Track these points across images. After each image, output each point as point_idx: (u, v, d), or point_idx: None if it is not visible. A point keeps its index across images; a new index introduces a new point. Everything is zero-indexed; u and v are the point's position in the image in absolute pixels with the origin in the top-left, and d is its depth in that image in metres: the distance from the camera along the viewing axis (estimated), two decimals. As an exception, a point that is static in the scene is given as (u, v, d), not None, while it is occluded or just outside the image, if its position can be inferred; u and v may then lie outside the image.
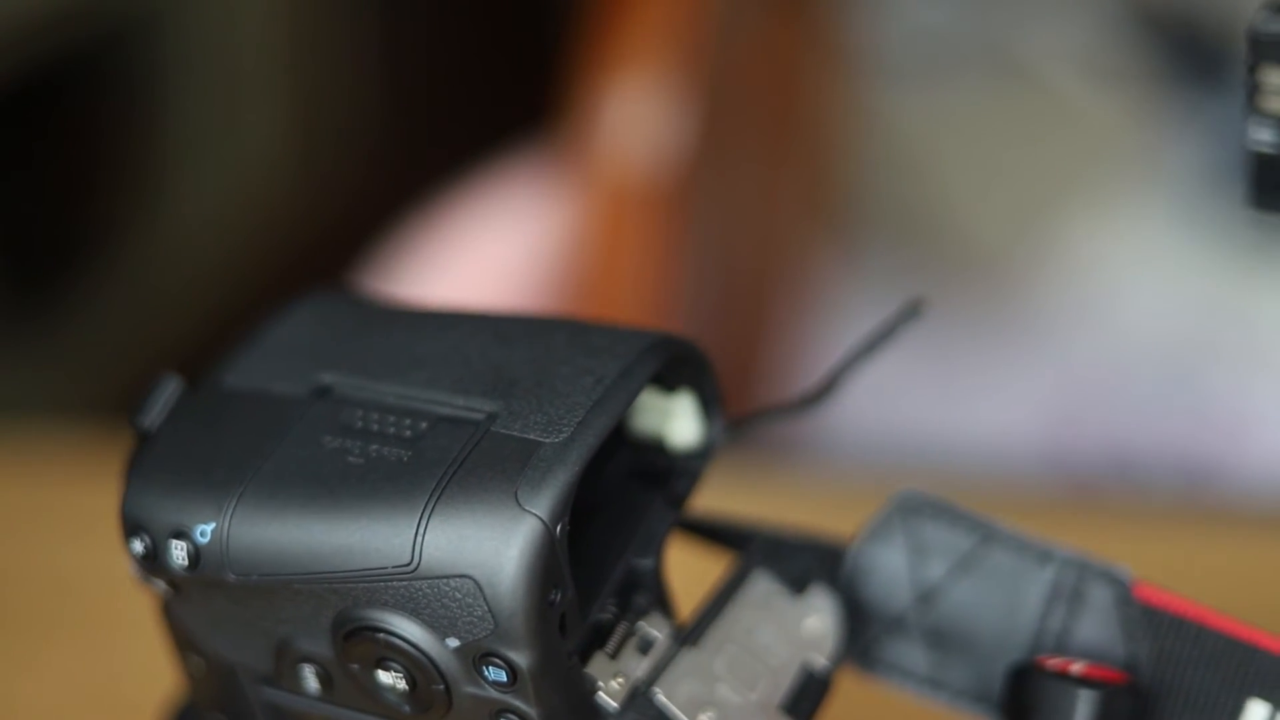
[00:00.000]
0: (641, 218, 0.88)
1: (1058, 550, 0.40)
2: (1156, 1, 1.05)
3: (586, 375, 0.37)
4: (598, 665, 0.37)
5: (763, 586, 0.39)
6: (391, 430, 0.37)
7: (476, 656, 0.35)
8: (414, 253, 1.00)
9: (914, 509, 0.40)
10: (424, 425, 0.37)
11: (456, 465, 0.35)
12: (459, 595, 0.35)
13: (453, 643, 0.35)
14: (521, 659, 0.35)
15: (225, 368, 0.40)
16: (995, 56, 1.07)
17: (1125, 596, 0.39)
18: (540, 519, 0.34)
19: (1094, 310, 1.02)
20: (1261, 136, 0.36)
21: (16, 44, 1.29)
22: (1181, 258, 1.02)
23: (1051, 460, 0.97)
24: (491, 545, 0.34)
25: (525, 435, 0.36)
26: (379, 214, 1.14)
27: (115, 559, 0.76)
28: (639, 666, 0.37)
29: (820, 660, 0.39)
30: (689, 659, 0.38)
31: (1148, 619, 0.39)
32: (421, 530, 0.35)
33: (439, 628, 0.35)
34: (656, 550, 0.39)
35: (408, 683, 0.36)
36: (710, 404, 0.40)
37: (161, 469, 0.38)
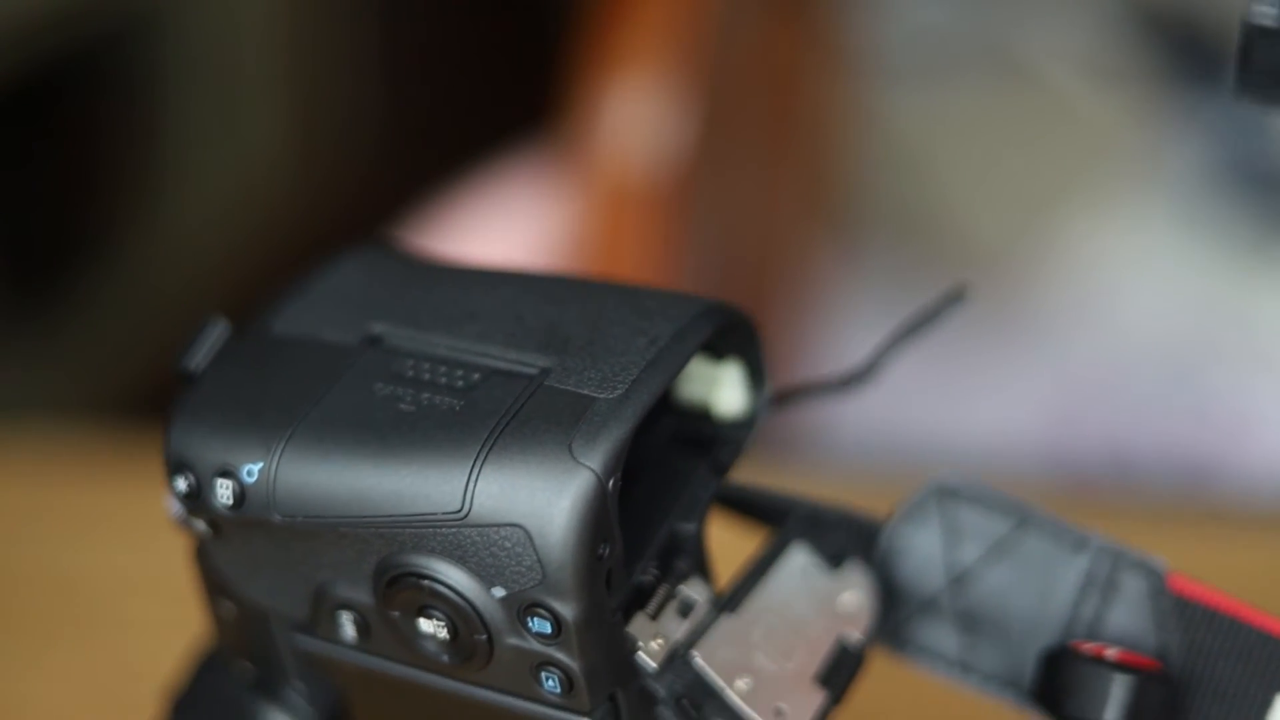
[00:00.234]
0: (641, 217, 0.88)
1: (1093, 538, 0.40)
2: (1156, 1, 1.05)
3: (640, 336, 0.37)
4: (638, 625, 0.37)
5: (800, 559, 0.40)
6: (444, 380, 0.37)
7: (522, 607, 0.35)
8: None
9: (950, 491, 0.40)
10: (476, 377, 0.37)
11: (510, 416, 0.35)
12: (508, 544, 0.34)
13: (499, 592, 0.35)
14: (568, 610, 0.35)
15: (273, 315, 0.40)
16: (995, 56, 1.07)
17: (1159, 587, 0.39)
18: (594, 472, 0.34)
19: (1094, 310, 1.02)
20: (1265, 9, 0.36)
21: (16, 44, 1.29)
22: (1181, 258, 1.01)
23: (1051, 460, 0.97)
24: (544, 496, 0.34)
25: (580, 390, 0.36)
26: (379, 214, 1.13)
27: (116, 559, 0.76)
28: (679, 629, 0.37)
29: (855, 635, 0.39)
30: (727, 625, 0.38)
31: (1180, 610, 0.39)
32: (473, 478, 0.35)
33: (485, 576, 0.35)
34: (700, 516, 0.39)
35: (449, 631, 0.36)
36: (757, 374, 0.40)
37: (209, 409, 0.38)
